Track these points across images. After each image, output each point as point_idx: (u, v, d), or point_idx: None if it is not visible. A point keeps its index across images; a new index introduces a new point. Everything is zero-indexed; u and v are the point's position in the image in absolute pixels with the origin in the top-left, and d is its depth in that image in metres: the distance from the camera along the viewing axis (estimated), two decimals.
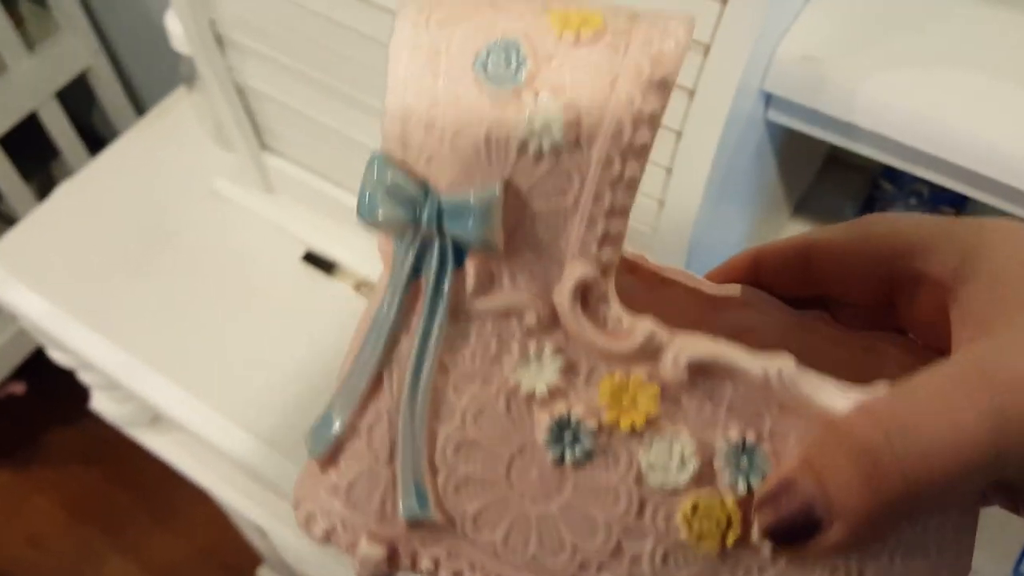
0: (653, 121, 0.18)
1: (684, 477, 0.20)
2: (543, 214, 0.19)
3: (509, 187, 0.18)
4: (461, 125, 0.18)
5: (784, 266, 0.24)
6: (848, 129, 0.37)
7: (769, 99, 0.40)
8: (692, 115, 0.37)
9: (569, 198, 0.19)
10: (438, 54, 0.18)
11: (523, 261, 0.19)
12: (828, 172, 0.67)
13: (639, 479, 0.20)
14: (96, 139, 1.37)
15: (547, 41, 0.18)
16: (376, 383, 0.21)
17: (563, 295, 0.19)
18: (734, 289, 0.24)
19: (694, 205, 0.40)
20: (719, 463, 0.20)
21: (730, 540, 0.20)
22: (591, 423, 0.20)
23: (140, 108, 1.46)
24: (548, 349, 0.20)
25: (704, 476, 0.20)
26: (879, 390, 0.18)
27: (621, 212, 0.19)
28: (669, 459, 0.20)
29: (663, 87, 0.18)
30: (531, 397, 0.20)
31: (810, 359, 0.19)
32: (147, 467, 1.54)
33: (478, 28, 0.18)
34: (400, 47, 0.19)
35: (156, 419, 0.79)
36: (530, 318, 0.20)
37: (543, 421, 0.20)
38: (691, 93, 0.37)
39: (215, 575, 1.41)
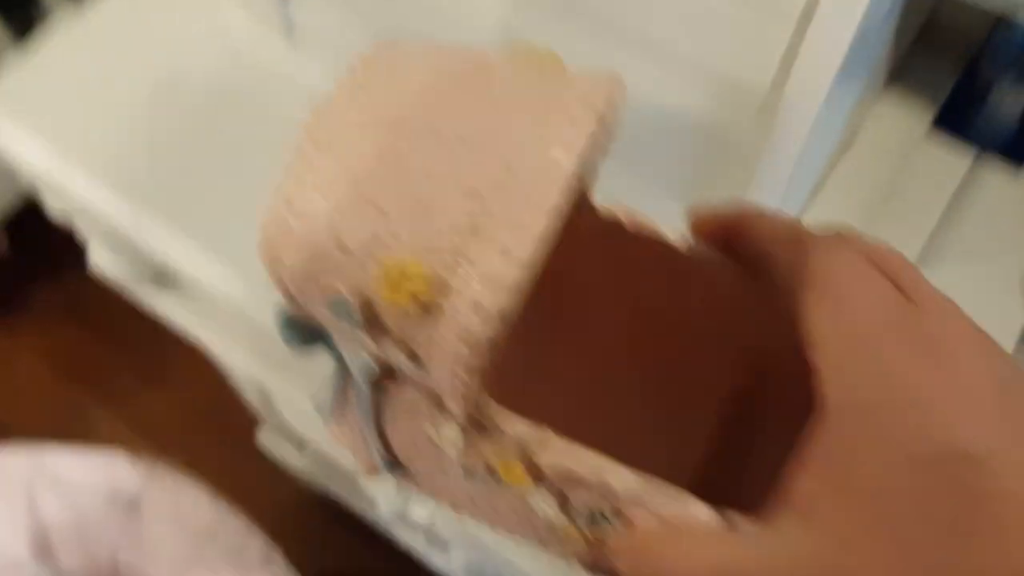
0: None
1: (551, 516, 0.25)
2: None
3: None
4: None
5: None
6: None
7: None
8: None
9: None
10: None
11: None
12: (925, 39, 0.60)
13: (525, 505, 0.25)
14: None
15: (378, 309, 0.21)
16: (343, 399, 0.27)
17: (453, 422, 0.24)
18: (702, 248, 0.26)
19: (823, 83, 0.34)
20: (579, 520, 0.24)
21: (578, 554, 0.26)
22: (486, 470, 0.25)
23: None
24: (453, 425, 0.24)
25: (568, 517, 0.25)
26: (731, 528, 0.21)
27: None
28: (541, 506, 0.25)
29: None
30: (446, 445, 0.25)
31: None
32: (136, 326, 1.49)
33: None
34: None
35: (159, 276, 0.73)
36: (436, 406, 0.24)
37: (457, 460, 0.25)
38: None
39: (210, 437, 1.38)
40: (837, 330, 0.21)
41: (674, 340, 0.29)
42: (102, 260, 0.72)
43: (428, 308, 0.20)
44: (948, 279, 0.53)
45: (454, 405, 0.23)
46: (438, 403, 0.24)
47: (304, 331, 0.24)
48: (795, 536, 0.20)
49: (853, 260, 0.22)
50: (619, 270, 0.28)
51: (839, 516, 0.19)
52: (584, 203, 0.27)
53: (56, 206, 0.67)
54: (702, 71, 0.40)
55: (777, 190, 0.41)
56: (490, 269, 0.19)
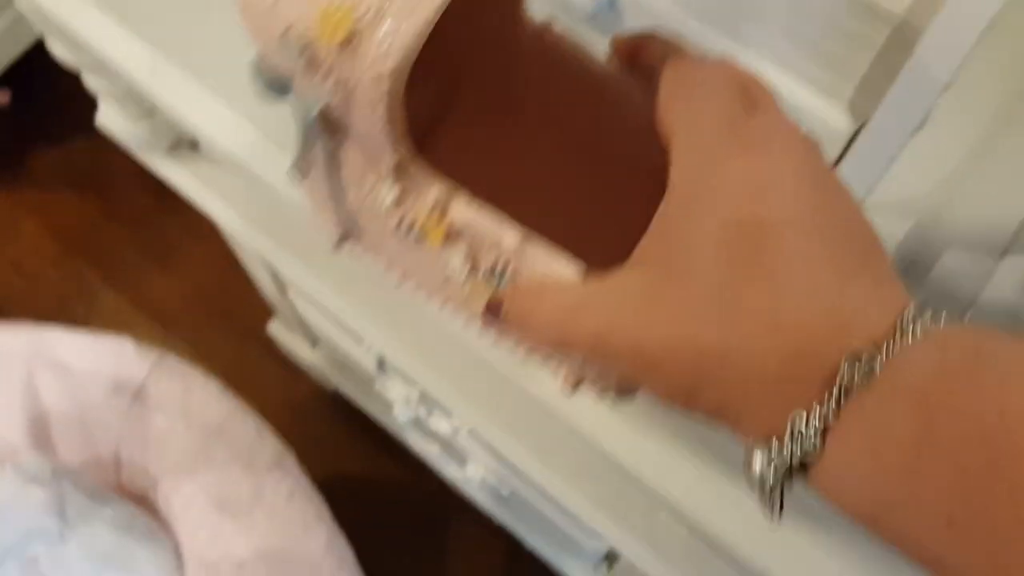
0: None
1: (463, 274, 0.30)
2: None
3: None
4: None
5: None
6: None
7: None
8: None
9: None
10: None
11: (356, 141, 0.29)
12: None
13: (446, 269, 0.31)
14: None
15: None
16: (308, 160, 0.31)
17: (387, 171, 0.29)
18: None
19: None
20: (482, 276, 0.30)
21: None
22: (415, 230, 0.30)
23: None
24: (387, 181, 0.29)
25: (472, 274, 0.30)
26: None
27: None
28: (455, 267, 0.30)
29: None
30: (383, 206, 0.30)
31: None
32: (142, 200, 1.42)
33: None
34: None
35: (177, 143, 0.65)
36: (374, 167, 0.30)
37: (392, 219, 0.30)
38: None
39: (219, 327, 1.32)
40: (684, 127, 0.27)
41: (593, 142, 0.35)
42: (112, 121, 0.64)
43: (351, 46, 0.25)
44: None
45: (387, 148, 0.28)
46: (376, 167, 0.29)
47: (272, 80, 0.29)
48: (628, 277, 0.26)
49: (710, 75, 0.27)
50: (551, 74, 0.34)
51: (660, 260, 0.26)
52: (518, 15, 0.32)
53: (65, 56, 0.58)
54: None
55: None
56: (396, 22, 0.25)
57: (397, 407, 0.86)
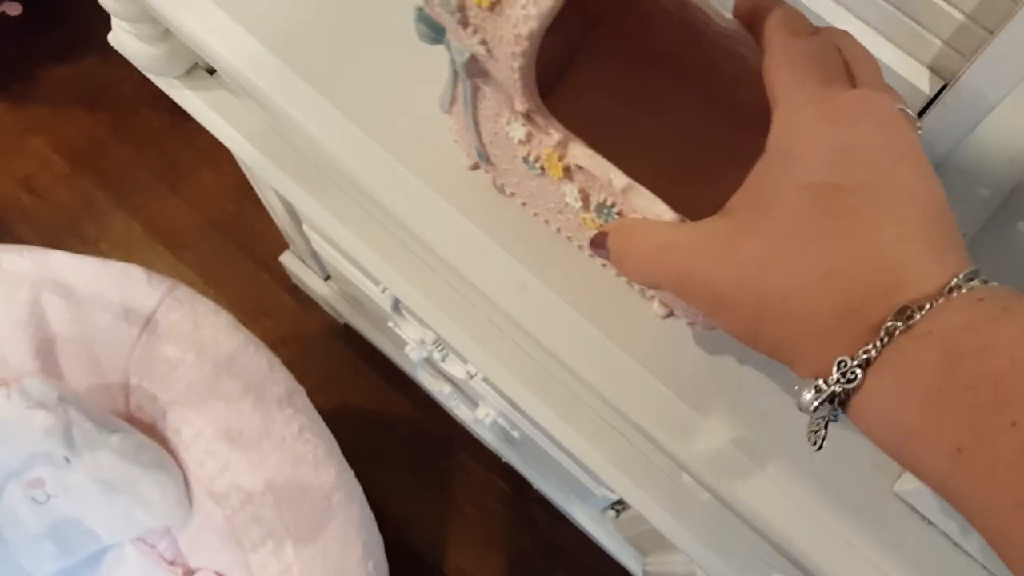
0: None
1: (577, 206, 0.36)
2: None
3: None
4: None
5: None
6: None
7: None
8: None
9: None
10: None
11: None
12: None
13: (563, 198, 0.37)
14: None
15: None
16: (454, 95, 0.37)
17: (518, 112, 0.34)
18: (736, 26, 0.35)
19: None
20: (592, 210, 0.36)
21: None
22: (539, 164, 0.36)
23: None
24: (519, 120, 0.34)
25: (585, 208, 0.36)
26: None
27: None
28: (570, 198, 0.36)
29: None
30: (514, 140, 0.36)
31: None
32: (155, 122, 1.38)
33: None
34: None
35: (193, 68, 0.62)
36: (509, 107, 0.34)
37: (520, 152, 0.36)
38: None
39: (229, 251, 1.29)
40: (785, 93, 0.29)
41: (709, 96, 0.39)
42: (125, 42, 0.61)
43: (496, 9, 0.29)
44: None
45: (515, 99, 0.33)
46: (510, 105, 0.34)
47: (430, 25, 0.33)
48: (714, 224, 0.30)
49: (815, 45, 0.30)
50: (679, 27, 0.37)
51: (743, 212, 0.29)
52: None
53: None
54: None
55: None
56: None
57: (410, 347, 0.84)
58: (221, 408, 0.77)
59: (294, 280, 1.18)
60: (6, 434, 0.75)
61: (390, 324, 0.87)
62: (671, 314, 0.39)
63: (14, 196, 1.32)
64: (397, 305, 0.79)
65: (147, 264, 0.81)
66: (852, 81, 0.30)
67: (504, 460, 1.08)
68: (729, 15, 0.35)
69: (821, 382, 0.27)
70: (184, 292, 0.81)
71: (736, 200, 0.30)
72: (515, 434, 0.91)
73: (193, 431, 0.77)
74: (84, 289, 0.79)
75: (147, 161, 1.35)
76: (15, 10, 1.33)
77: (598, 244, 0.34)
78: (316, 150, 0.44)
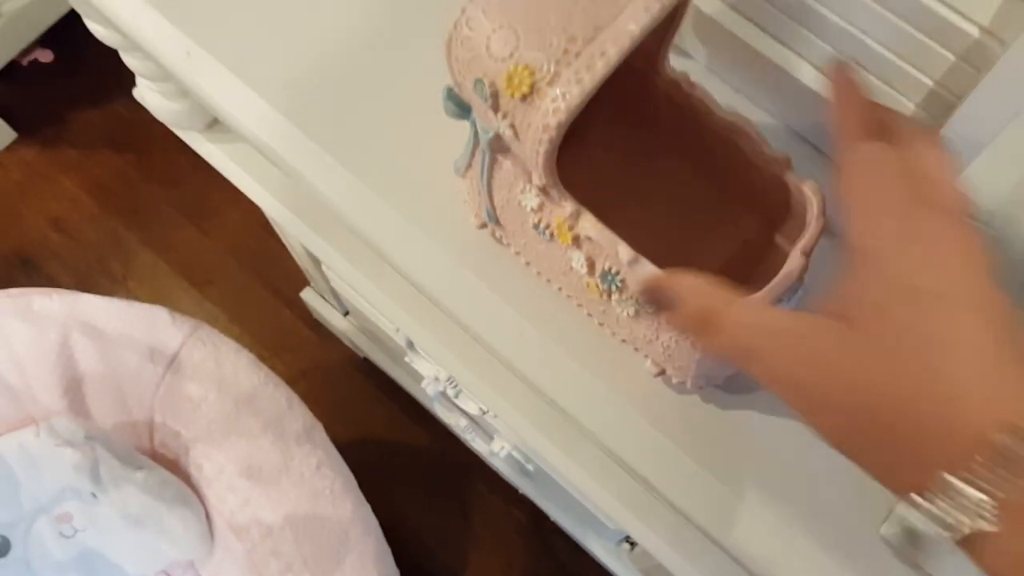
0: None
1: (582, 272, 0.39)
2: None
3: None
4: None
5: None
6: None
7: None
8: None
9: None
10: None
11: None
12: None
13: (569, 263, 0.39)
14: None
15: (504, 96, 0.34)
16: (471, 161, 0.40)
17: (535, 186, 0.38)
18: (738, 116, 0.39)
19: None
20: (597, 277, 0.38)
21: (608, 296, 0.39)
22: (549, 231, 0.39)
23: None
24: (533, 191, 0.38)
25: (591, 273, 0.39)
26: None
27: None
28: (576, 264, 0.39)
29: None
30: (526, 208, 0.39)
31: None
32: (181, 161, 1.42)
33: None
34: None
35: (213, 123, 0.65)
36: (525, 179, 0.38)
37: (532, 219, 0.39)
38: None
39: (253, 288, 1.33)
40: (862, 206, 0.30)
41: (707, 174, 0.42)
42: (149, 97, 0.64)
43: (528, 100, 0.32)
44: None
45: (534, 174, 0.36)
46: (527, 178, 0.37)
47: (458, 104, 0.37)
48: (827, 324, 0.29)
49: (894, 161, 0.30)
50: (682, 110, 0.40)
51: (839, 313, 0.28)
52: (653, 58, 0.39)
53: (103, 34, 0.58)
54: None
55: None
56: (565, 88, 0.32)
57: (426, 382, 0.86)
58: (242, 445, 0.80)
59: (315, 315, 1.21)
60: (36, 470, 0.78)
61: (406, 359, 0.89)
62: (663, 372, 0.41)
63: (44, 235, 1.37)
64: (411, 344, 0.82)
65: (173, 301, 0.84)
66: (928, 203, 0.29)
67: (521, 491, 1.09)
68: (724, 105, 0.38)
69: (932, 506, 0.25)
70: (207, 332, 0.83)
71: (837, 302, 0.29)
72: (530, 467, 0.92)
73: (215, 467, 0.80)
74: (111, 330, 0.82)
75: (174, 199, 1.39)
76: (47, 57, 1.38)
77: (657, 295, 0.34)
78: (326, 205, 0.47)
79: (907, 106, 0.39)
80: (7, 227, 1.37)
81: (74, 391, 0.80)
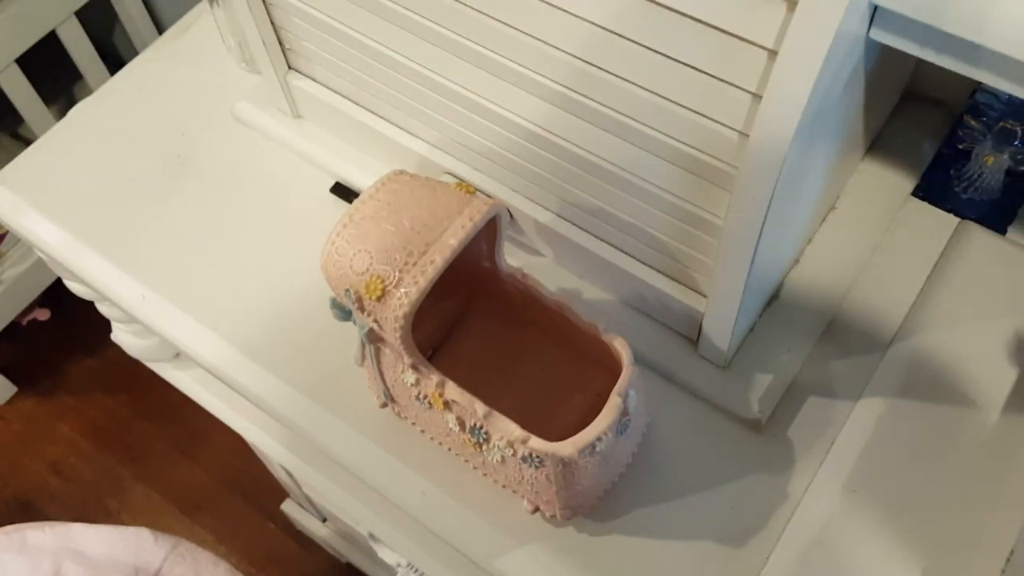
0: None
1: (456, 430, 0.49)
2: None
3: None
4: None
5: None
6: (974, 52, 0.32)
7: (875, 13, 0.34)
8: (792, 30, 0.32)
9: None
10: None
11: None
12: (905, 107, 0.61)
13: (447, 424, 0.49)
14: (118, 60, 1.32)
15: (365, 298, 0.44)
16: (363, 353, 0.50)
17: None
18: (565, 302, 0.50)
19: (786, 138, 0.35)
20: (468, 432, 0.48)
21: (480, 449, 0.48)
22: (427, 400, 0.49)
23: (162, 27, 1.41)
24: (409, 370, 0.48)
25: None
26: None
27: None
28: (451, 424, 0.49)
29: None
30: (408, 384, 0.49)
31: None
32: (170, 396, 1.52)
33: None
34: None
35: (179, 354, 0.76)
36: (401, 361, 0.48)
37: (413, 392, 0.49)
38: (791, 2, 0.31)
39: (239, 507, 1.40)
40: None
41: (549, 356, 0.53)
42: (123, 337, 0.75)
43: (382, 300, 0.43)
44: (935, 343, 0.54)
45: (404, 355, 0.46)
46: (402, 360, 0.47)
47: (340, 309, 0.48)
48: None
49: None
50: (528, 300, 0.51)
51: None
52: (493, 259, 0.51)
53: (79, 289, 0.71)
54: (672, 151, 0.42)
55: (747, 252, 0.43)
56: (407, 288, 0.43)
57: (400, 573, 0.92)
58: None
59: (297, 526, 1.27)
60: None
61: (377, 553, 0.95)
62: (537, 509, 0.49)
63: (44, 480, 1.45)
64: (372, 535, 0.88)
65: (166, 527, 0.92)
66: None
67: None
68: (554, 289, 0.50)
69: None
70: (186, 547, 0.90)
71: None
72: None
73: None
74: (99, 555, 0.89)
75: (164, 432, 1.48)
76: (44, 315, 1.52)
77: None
78: (266, 410, 0.57)
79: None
80: (8, 475, 1.45)
81: None
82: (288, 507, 1.24)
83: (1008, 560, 0.47)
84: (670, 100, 0.40)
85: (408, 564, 0.86)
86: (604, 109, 0.43)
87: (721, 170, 0.40)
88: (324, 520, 1.18)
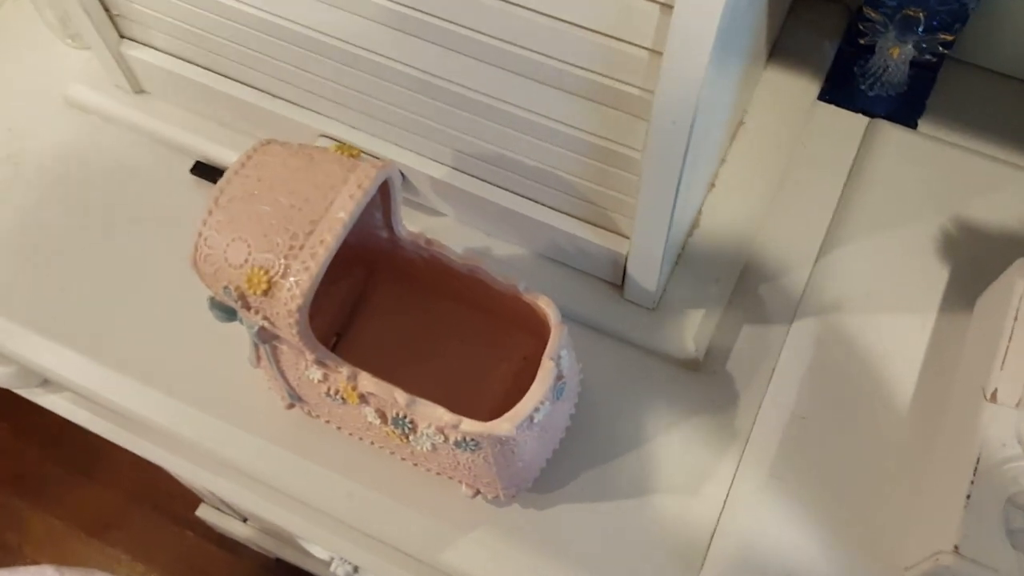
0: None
1: (377, 423, 0.43)
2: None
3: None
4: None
5: None
6: None
7: None
8: None
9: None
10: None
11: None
12: (800, 6, 0.58)
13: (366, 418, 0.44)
14: None
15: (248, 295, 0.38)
16: (259, 353, 0.44)
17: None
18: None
19: (704, 50, 0.31)
20: (390, 423, 0.43)
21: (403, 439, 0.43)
22: (339, 395, 0.43)
23: None
24: (313, 366, 0.42)
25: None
26: None
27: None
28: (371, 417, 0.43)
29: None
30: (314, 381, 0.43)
31: None
32: (54, 416, 1.42)
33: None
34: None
35: (45, 380, 0.68)
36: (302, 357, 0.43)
37: (322, 389, 0.44)
38: None
39: (151, 520, 1.31)
40: None
41: (463, 318, 0.49)
42: None
43: (269, 294, 0.37)
44: (861, 252, 0.51)
45: (305, 352, 0.40)
46: (303, 356, 0.42)
47: (223, 309, 0.41)
48: None
49: None
50: (435, 267, 0.46)
51: None
52: (390, 227, 0.45)
53: None
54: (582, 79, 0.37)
55: (670, 185, 0.39)
56: (297, 277, 0.37)
57: (333, 565, 0.87)
58: None
59: (218, 531, 1.20)
60: None
61: (311, 547, 0.90)
62: (478, 493, 0.45)
63: None
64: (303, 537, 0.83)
65: (73, 555, 0.84)
66: None
67: None
68: (461, 251, 0.45)
69: None
70: None
71: None
72: None
73: None
74: None
75: (56, 455, 1.37)
76: None
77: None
78: (152, 427, 0.50)
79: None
80: None
81: None
82: (204, 512, 1.17)
83: (975, 471, 0.45)
84: (562, 20, 0.35)
85: (342, 558, 0.82)
86: (483, 38, 0.37)
87: (633, 96, 0.36)
88: (245, 520, 1.12)
